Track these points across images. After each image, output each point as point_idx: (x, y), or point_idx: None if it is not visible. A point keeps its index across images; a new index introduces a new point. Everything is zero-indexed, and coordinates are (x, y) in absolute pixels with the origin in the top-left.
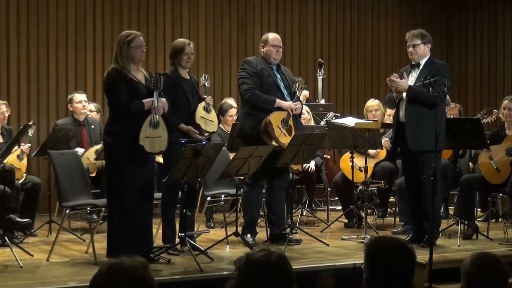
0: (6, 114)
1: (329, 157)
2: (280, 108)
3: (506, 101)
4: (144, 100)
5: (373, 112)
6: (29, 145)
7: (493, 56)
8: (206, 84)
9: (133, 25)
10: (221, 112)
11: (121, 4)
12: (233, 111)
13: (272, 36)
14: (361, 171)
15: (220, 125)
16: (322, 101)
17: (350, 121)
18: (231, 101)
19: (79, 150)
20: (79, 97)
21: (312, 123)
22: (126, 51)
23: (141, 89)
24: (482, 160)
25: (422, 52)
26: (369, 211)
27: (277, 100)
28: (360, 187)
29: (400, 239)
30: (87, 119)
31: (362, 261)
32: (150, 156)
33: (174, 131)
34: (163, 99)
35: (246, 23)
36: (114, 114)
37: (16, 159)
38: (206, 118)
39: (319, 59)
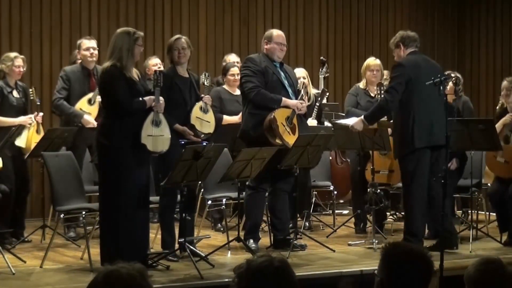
0: (22, 70)
1: (331, 158)
2: (285, 106)
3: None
4: (145, 98)
5: (374, 72)
6: (42, 114)
7: (506, 54)
8: (206, 83)
9: (130, 21)
10: (223, 71)
11: None
12: (234, 70)
13: (276, 33)
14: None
15: (225, 86)
16: (324, 101)
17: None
18: (233, 57)
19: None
20: (87, 44)
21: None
22: (133, 48)
23: (139, 88)
24: (490, 160)
25: (397, 58)
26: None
27: (283, 98)
28: (368, 190)
29: (419, 246)
30: (96, 68)
31: (370, 268)
32: (150, 156)
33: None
34: (161, 97)
35: (248, 19)
36: (113, 114)
37: (36, 134)
38: (202, 119)
39: (321, 57)
